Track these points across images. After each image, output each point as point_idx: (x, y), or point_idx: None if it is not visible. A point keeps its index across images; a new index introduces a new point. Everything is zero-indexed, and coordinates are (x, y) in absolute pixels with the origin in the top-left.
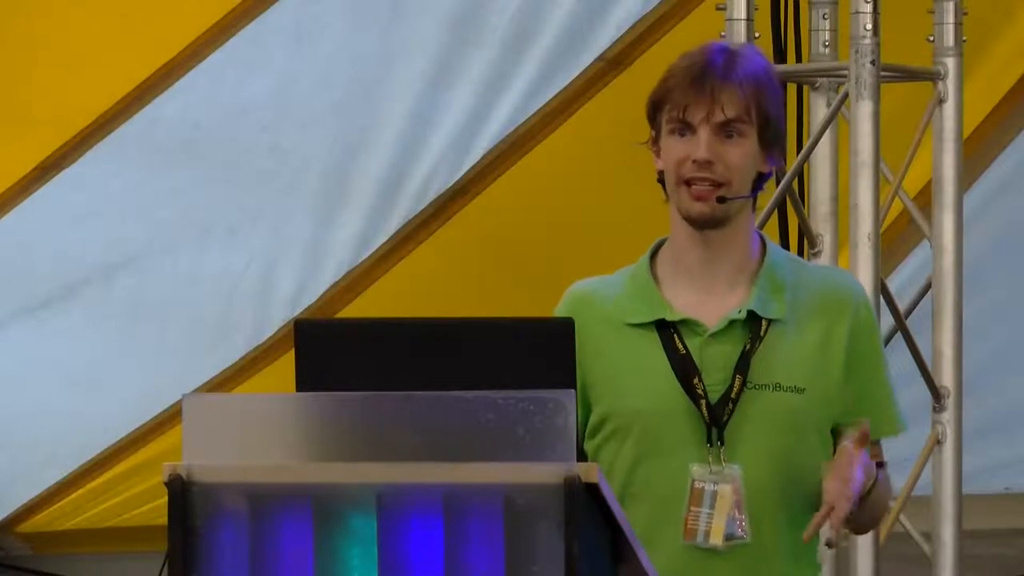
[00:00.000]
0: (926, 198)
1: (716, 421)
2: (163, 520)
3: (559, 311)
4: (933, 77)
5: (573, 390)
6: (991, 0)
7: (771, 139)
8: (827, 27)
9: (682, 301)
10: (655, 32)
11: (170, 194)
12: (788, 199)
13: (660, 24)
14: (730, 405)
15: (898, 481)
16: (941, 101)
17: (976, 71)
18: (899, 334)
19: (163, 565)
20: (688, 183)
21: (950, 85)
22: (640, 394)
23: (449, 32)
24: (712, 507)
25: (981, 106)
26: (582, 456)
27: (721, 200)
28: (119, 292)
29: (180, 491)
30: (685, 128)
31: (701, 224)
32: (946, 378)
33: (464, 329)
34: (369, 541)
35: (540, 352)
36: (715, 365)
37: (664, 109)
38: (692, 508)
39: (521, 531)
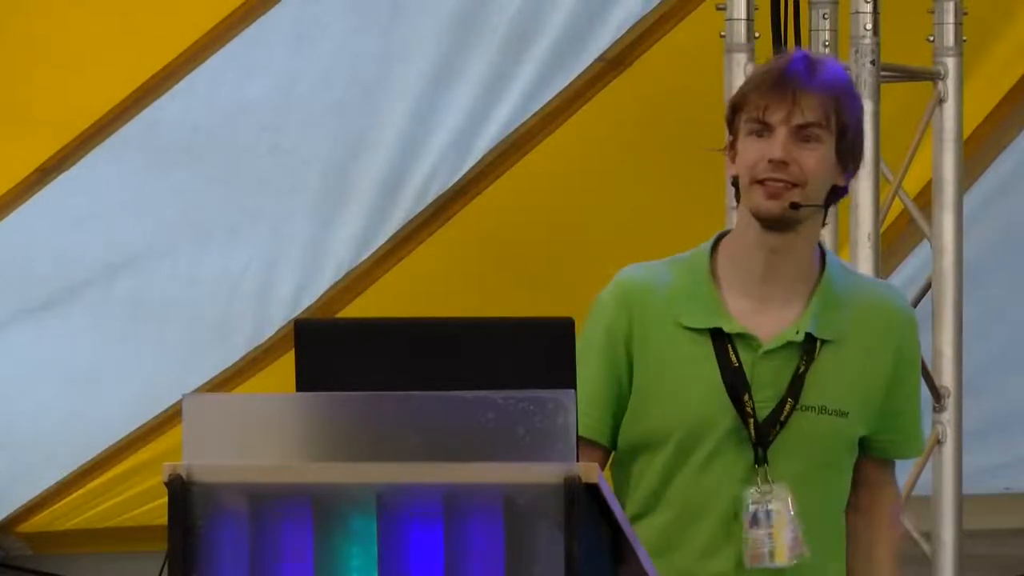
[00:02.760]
0: (926, 198)
1: (762, 440)
2: (163, 520)
3: (607, 297)
4: (933, 77)
5: (573, 390)
6: (991, 0)
7: (848, 150)
8: (827, 27)
9: (740, 309)
10: (655, 32)
11: (170, 195)
12: None
13: (660, 24)
14: (778, 426)
15: (898, 481)
16: (941, 101)
17: (976, 71)
18: None
19: (163, 565)
20: (762, 183)
21: (950, 85)
22: (687, 401)
23: (449, 32)
24: (770, 526)
25: (981, 106)
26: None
27: (795, 207)
28: (119, 293)
29: (180, 491)
30: (763, 128)
31: (770, 223)
32: (946, 378)
33: (464, 329)
34: (369, 541)
35: (540, 352)
36: (764, 382)
37: (743, 111)
38: (751, 531)
39: (521, 531)
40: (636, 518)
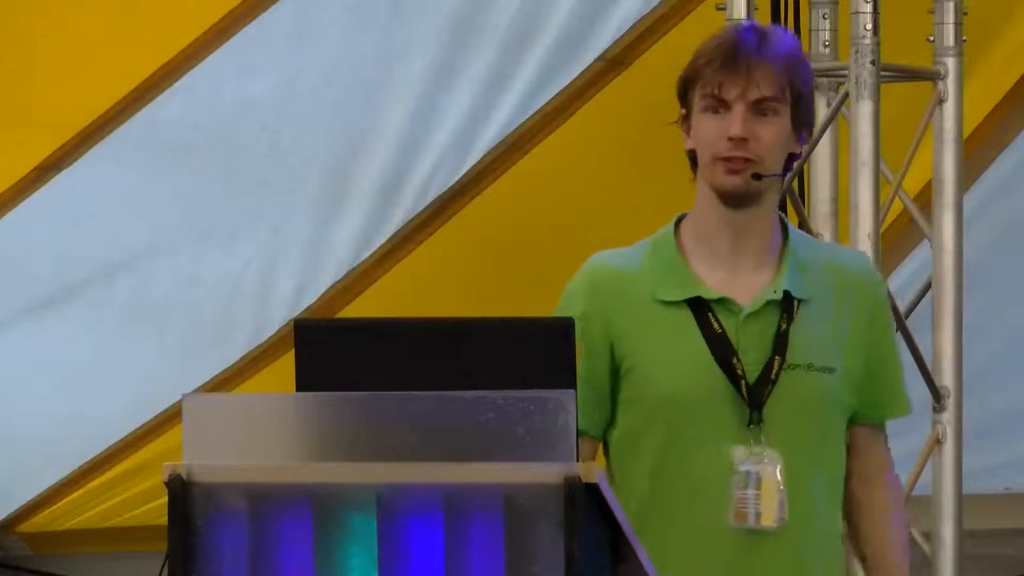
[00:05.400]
0: (926, 198)
1: (755, 402)
2: (163, 520)
3: (577, 286)
4: (933, 77)
5: (573, 390)
6: (991, 0)
7: (802, 117)
8: (827, 27)
9: (713, 278)
10: (655, 32)
11: (170, 194)
12: (788, 199)
13: (660, 24)
14: (769, 386)
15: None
16: (941, 101)
17: (976, 71)
18: (899, 334)
19: (163, 565)
20: (722, 160)
21: (950, 85)
22: (676, 374)
23: (449, 32)
24: (758, 488)
25: (981, 106)
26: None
27: (756, 177)
28: (119, 292)
29: (180, 491)
30: (719, 105)
31: (733, 200)
32: (946, 378)
33: (464, 329)
34: (369, 541)
35: (540, 352)
36: (750, 344)
37: (697, 86)
38: (739, 492)
39: (521, 531)
40: (641, 499)
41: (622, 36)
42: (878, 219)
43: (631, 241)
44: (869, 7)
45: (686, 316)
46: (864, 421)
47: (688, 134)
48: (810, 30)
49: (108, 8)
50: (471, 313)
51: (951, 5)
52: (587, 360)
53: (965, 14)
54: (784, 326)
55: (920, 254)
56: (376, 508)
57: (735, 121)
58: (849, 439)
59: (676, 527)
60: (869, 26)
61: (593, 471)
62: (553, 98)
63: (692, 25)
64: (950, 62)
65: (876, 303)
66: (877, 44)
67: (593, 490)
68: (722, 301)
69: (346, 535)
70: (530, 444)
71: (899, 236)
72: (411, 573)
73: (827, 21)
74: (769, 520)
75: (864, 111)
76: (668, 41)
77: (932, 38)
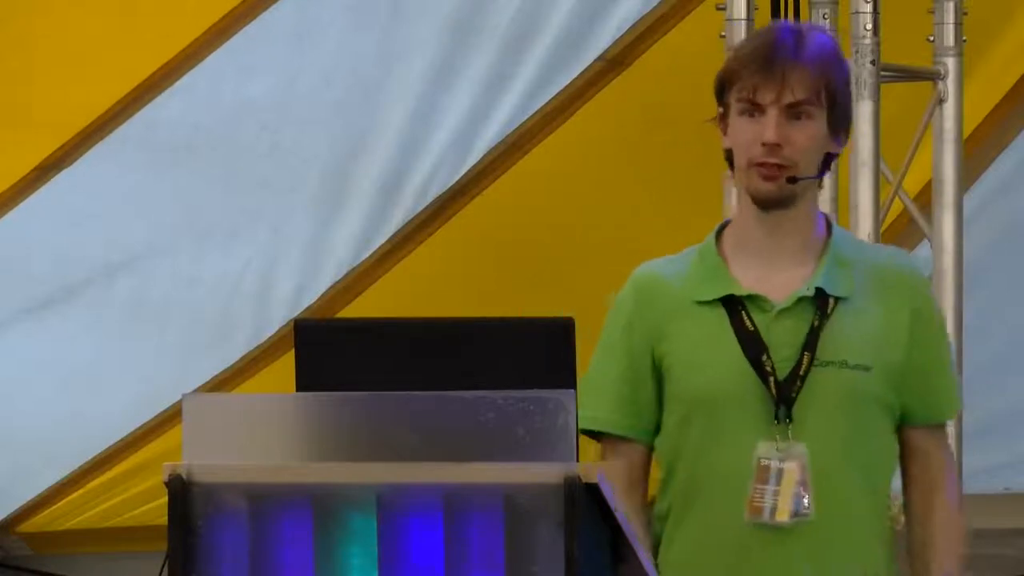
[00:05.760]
0: (926, 198)
1: (784, 398)
2: (163, 520)
3: (624, 294)
4: (933, 77)
5: (573, 390)
6: (991, 0)
7: (839, 118)
8: (827, 27)
9: (749, 277)
10: (655, 32)
11: (170, 194)
12: None
13: (660, 24)
14: (798, 382)
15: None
16: (941, 101)
17: (976, 71)
18: None
19: (163, 565)
20: (757, 165)
21: (950, 85)
22: (708, 373)
23: (449, 32)
24: (778, 484)
25: (981, 106)
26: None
27: (791, 180)
28: (119, 292)
29: (180, 491)
30: (754, 109)
31: (767, 204)
32: None
33: (464, 329)
34: (369, 541)
35: (540, 352)
36: (782, 341)
37: (733, 88)
38: (757, 486)
39: (521, 531)
40: (678, 498)
41: (622, 36)
42: (878, 219)
43: (630, 241)
44: (869, 7)
45: (720, 315)
46: (916, 423)
47: (725, 133)
48: None
49: (108, 8)
50: (471, 313)
51: (951, 5)
52: (632, 364)
53: (965, 14)
54: (817, 323)
55: (920, 254)
56: (376, 508)
57: (768, 126)
58: (907, 442)
59: (707, 523)
60: (869, 26)
61: (593, 471)
62: (553, 98)
63: (692, 25)
64: (950, 62)
65: (920, 303)
66: (877, 44)
67: (593, 490)
68: (753, 298)
69: (346, 535)
70: (530, 444)
71: (899, 236)
72: (411, 573)
73: (827, 21)
74: (784, 515)
75: (864, 111)
76: (668, 41)
77: (932, 38)
